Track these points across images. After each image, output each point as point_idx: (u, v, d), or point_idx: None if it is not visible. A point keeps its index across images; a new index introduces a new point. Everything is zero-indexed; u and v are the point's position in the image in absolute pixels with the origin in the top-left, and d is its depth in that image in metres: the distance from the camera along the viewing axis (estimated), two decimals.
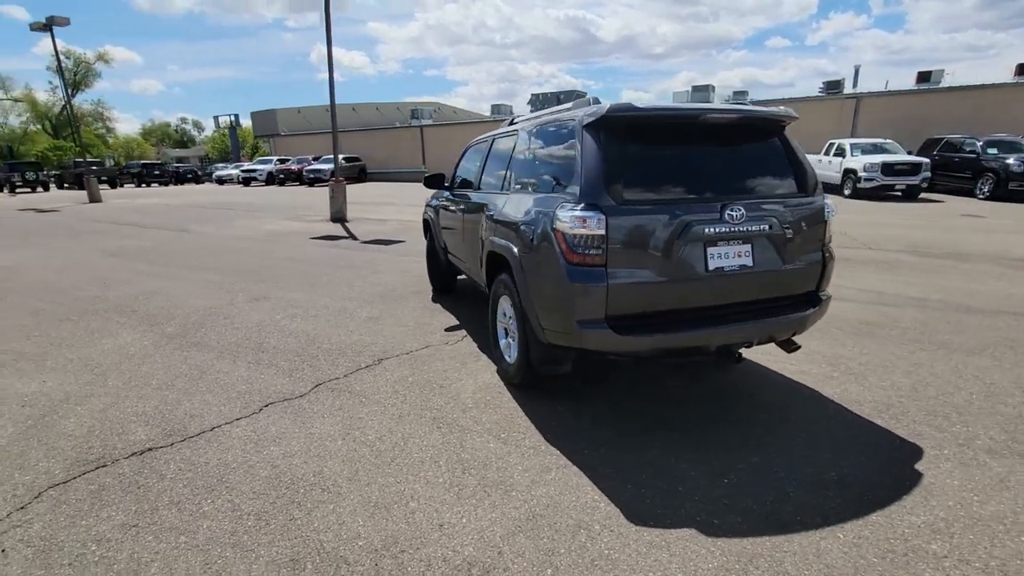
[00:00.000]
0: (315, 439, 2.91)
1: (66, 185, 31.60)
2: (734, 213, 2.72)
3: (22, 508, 2.34)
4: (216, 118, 47.76)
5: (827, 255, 3.11)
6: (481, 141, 4.86)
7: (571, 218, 2.59)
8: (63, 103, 55.52)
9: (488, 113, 49.09)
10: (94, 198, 21.29)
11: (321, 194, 18.51)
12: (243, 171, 31.73)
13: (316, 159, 30.77)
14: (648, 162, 2.80)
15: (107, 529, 2.20)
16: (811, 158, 18.46)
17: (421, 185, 6.07)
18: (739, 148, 3.01)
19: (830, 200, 3.15)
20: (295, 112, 40.96)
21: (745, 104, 4.97)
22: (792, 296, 3.07)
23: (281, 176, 30.10)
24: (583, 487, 2.46)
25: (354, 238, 10.61)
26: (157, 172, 33.96)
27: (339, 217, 13.80)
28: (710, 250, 2.73)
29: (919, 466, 2.59)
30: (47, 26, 20.39)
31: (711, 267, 2.73)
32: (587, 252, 2.59)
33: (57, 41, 21.18)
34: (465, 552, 2.05)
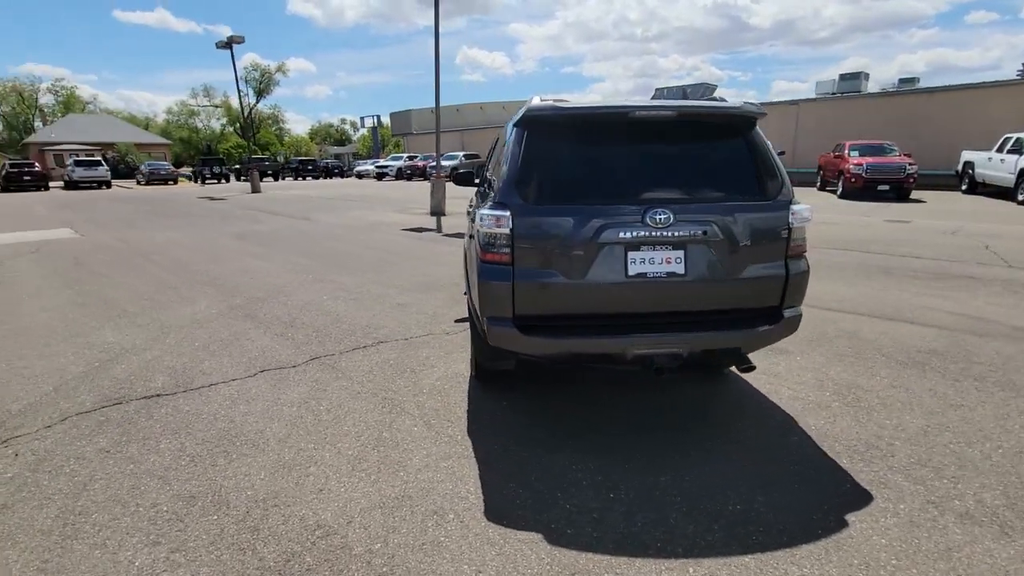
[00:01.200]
0: (277, 404, 3.31)
1: (242, 178, 37.53)
2: (658, 217, 2.55)
3: (49, 427, 3.04)
4: (362, 119, 53.36)
5: (793, 267, 2.75)
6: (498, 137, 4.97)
7: (482, 216, 2.64)
8: (249, 108, 65.96)
9: None
10: (255, 189, 25.05)
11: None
12: (377, 167, 35.01)
13: (440, 155, 32.78)
14: (571, 162, 2.73)
15: (89, 451, 2.78)
16: (978, 156, 15.58)
17: None
18: (683, 147, 2.78)
19: (802, 206, 2.77)
20: (428, 112, 44.04)
21: (708, 99, 4.31)
22: (743, 310, 2.78)
23: (408, 172, 32.64)
24: (466, 479, 2.53)
25: (439, 231, 11.28)
26: (311, 167, 38.84)
27: (437, 211, 14.69)
28: (631, 255, 2.59)
29: (851, 516, 2.23)
30: (228, 44, 24.37)
31: (631, 272, 2.59)
32: (496, 250, 2.62)
33: (251, 55, 25.19)
34: (322, 517, 2.26)
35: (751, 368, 2.88)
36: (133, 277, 7.05)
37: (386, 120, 50.23)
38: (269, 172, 35.76)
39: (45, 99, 61.81)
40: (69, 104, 62.72)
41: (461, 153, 32.37)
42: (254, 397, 3.40)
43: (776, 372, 3.71)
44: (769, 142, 2.83)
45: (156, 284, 6.62)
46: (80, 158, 31.77)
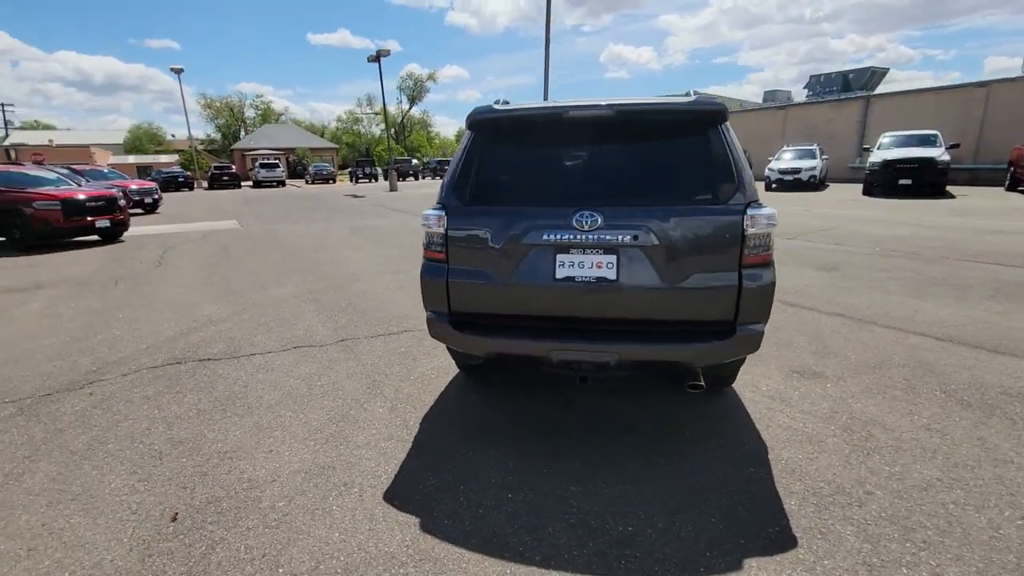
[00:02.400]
0: (287, 376, 3.80)
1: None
2: (585, 220, 2.46)
3: (124, 375, 3.86)
4: None
5: (749, 278, 2.45)
6: None
7: (424, 216, 2.78)
8: (402, 114, 72.59)
9: (761, 100, 44.11)
10: (392, 187, 27.66)
11: None
12: None
13: None
14: (509, 164, 2.73)
15: (136, 397, 3.50)
16: None
17: None
18: (625, 148, 2.61)
19: (763, 210, 2.45)
20: None
21: (668, 98, 3.59)
22: (688, 322, 2.54)
23: None
24: (392, 460, 2.71)
25: None
26: (446, 167, 41.58)
27: None
28: (560, 258, 2.53)
29: (751, 561, 1.98)
30: (377, 57, 27.14)
31: (559, 276, 2.54)
32: (434, 248, 2.75)
33: (412, 65, 28.04)
34: (257, 473, 2.61)
35: (699, 386, 2.62)
36: (257, 262, 8.37)
37: None
38: (409, 172, 39.08)
39: (249, 112, 74.59)
40: (266, 116, 74.78)
41: None
42: (273, 368, 3.94)
43: (787, 397, 3.29)
44: (734, 141, 2.55)
45: (269, 268, 7.80)
46: (263, 161, 37.85)
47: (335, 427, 3.06)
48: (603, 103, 2.53)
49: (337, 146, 62.29)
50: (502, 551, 2.06)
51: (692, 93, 2.80)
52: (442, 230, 2.69)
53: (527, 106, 2.70)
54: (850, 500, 2.32)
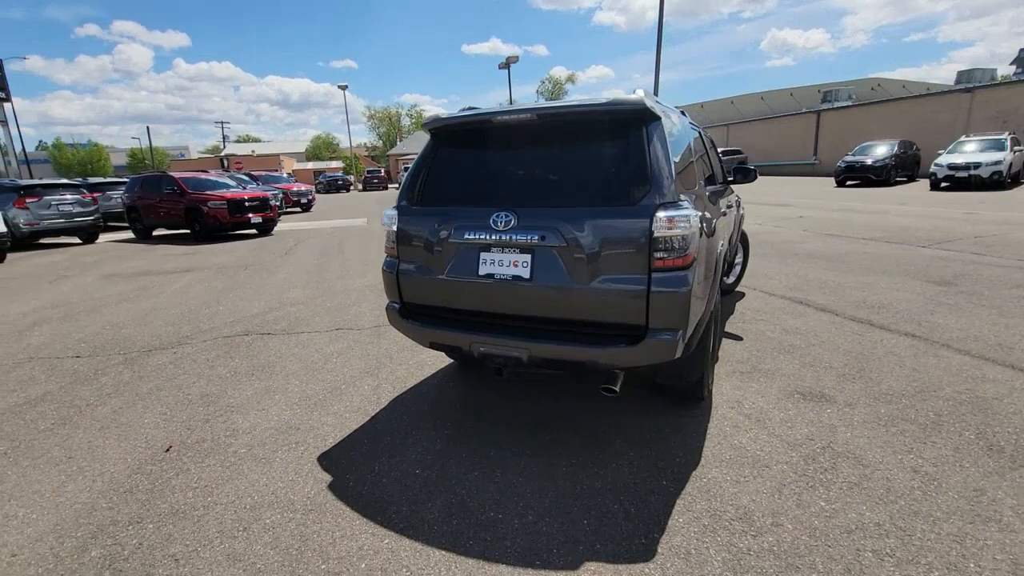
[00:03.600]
0: (317, 352, 4.41)
1: None
2: (499, 221, 2.57)
3: (205, 340, 4.80)
4: None
5: (659, 283, 2.35)
6: None
7: (384, 214, 3.10)
8: None
9: (953, 82, 37.31)
10: None
11: None
12: None
13: None
14: (450, 167, 2.90)
15: (201, 359, 4.35)
16: None
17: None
18: (549, 150, 2.62)
19: (678, 212, 2.31)
20: (698, 107, 42.05)
21: (593, 99, 2.89)
22: (599, 324, 2.51)
23: None
24: (346, 429, 3.08)
25: None
26: None
27: None
28: (483, 255, 2.67)
29: (591, 565, 1.97)
30: (507, 64, 28.33)
31: (481, 272, 2.68)
32: (389, 244, 3.06)
33: (558, 68, 29.10)
34: (241, 425, 3.17)
35: (612, 391, 2.56)
36: (357, 256, 9.49)
37: None
38: None
39: (404, 121, 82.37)
40: (418, 123, 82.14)
41: (719, 151, 30.09)
42: (310, 345, 4.59)
43: (767, 419, 3.02)
44: (657, 140, 2.45)
45: (361, 261, 8.81)
46: (406, 165, 41.69)
47: (322, 397, 3.53)
48: (527, 107, 2.62)
49: None
50: (377, 514, 2.30)
51: (637, 91, 2.74)
52: (394, 228, 2.99)
53: (464, 113, 2.87)
54: (748, 528, 2.13)
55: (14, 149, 34.02)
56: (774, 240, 8.92)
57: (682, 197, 2.44)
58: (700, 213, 2.47)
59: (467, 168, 2.90)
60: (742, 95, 41.05)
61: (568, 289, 2.50)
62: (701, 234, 2.50)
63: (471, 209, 2.70)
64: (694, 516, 2.22)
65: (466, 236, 2.68)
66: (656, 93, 14.72)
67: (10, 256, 10.88)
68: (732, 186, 5.34)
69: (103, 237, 14.16)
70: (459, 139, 2.92)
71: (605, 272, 2.43)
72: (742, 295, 5.70)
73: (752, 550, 2.01)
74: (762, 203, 15.06)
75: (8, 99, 33.27)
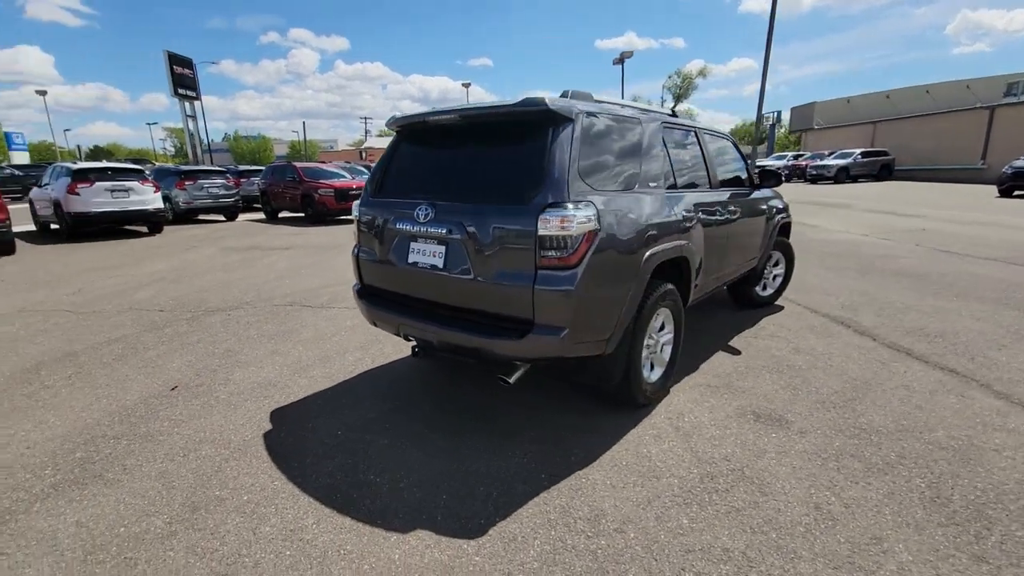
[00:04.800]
0: (333, 324, 4.94)
1: None
2: (421, 213, 2.78)
3: (256, 308, 5.61)
4: (763, 116, 49.34)
5: (543, 280, 2.39)
6: None
7: (354, 206, 3.44)
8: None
9: None
10: None
11: (804, 192, 18.00)
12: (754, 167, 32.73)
13: (830, 154, 28.03)
14: (399, 163, 3.13)
15: (243, 321, 5.11)
16: None
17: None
18: (472, 148, 2.74)
19: (564, 211, 2.32)
20: (838, 103, 37.41)
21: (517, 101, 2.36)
22: (496, 316, 2.61)
23: (786, 172, 29.28)
24: (311, 390, 3.51)
25: None
26: None
27: None
28: (412, 244, 2.90)
29: (423, 533, 2.14)
30: (621, 60, 27.74)
31: (410, 260, 2.91)
32: (355, 230, 3.40)
33: (697, 62, 28.44)
34: (235, 377, 3.74)
35: (505, 382, 2.65)
36: None
37: (786, 116, 45.41)
38: None
39: None
40: None
41: (858, 151, 26.71)
42: (333, 319, 5.16)
43: (696, 432, 2.91)
44: (561, 142, 2.49)
45: None
46: None
47: (310, 362, 4.02)
48: (454, 108, 2.79)
49: None
50: (283, 462, 2.66)
51: (567, 93, 2.77)
52: (357, 215, 3.33)
53: (410, 114, 3.09)
54: (588, 528, 2.14)
55: (199, 141, 40.80)
56: (866, 253, 7.93)
57: (582, 198, 2.45)
58: (593, 214, 2.46)
59: (412, 163, 3.14)
60: (901, 88, 35.74)
61: (471, 280, 2.65)
62: (598, 236, 2.49)
63: (406, 201, 2.95)
64: (546, 510, 2.27)
65: (398, 226, 2.94)
66: (763, 91, 13.56)
67: (168, 228, 13.27)
68: (767, 192, 4.95)
69: (242, 216, 16.59)
70: (410, 137, 3.17)
71: (500, 267, 2.54)
72: (780, 308, 5.25)
73: (575, 548, 2.03)
74: (889, 212, 13.27)
75: (198, 97, 39.73)
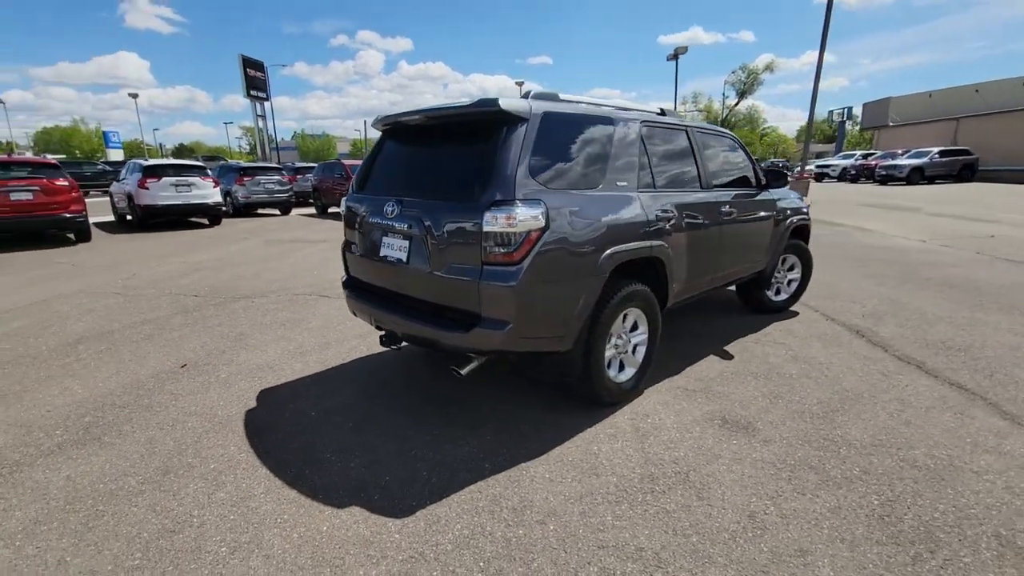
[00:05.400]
0: (342, 313, 5.19)
1: None
2: (387, 209, 2.91)
3: (280, 296, 5.98)
4: (831, 112, 46.33)
5: (488, 276, 2.47)
6: None
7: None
8: (727, 109, 68.48)
9: None
10: None
11: (870, 193, 17.02)
12: (817, 167, 30.91)
13: (904, 153, 26.06)
14: (378, 160, 3.27)
15: (262, 308, 5.47)
16: None
17: None
18: (436, 147, 2.83)
19: (509, 210, 2.38)
20: (917, 98, 34.57)
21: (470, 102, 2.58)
22: (450, 309, 2.70)
23: (853, 172, 27.53)
24: (303, 372, 3.74)
25: None
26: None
27: None
28: (384, 239, 3.04)
29: (353, 509, 2.27)
30: (675, 56, 27.00)
31: (380, 254, 3.05)
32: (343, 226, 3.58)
33: (766, 55, 27.63)
34: (240, 358, 4.03)
35: (457, 373, 2.73)
36: None
37: (858, 111, 42.35)
38: None
39: None
40: None
41: (935, 150, 24.66)
42: (344, 309, 5.38)
43: (654, 433, 2.89)
44: (512, 141, 2.54)
45: None
46: None
47: (310, 348, 4.26)
48: (420, 109, 2.90)
49: None
50: (255, 437, 2.87)
51: (528, 94, 2.82)
52: (343, 209, 3.52)
53: (388, 115, 3.21)
54: (511, 518, 2.20)
55: (267, 139, 43.31)
56: (914, 260, 7.41)
57: (531, 196, 2.50)
58: (540, 212, 2.50)
59: (390, 161, 3.28)
60: (994, 81, 32.62)
61: (429, 274, 2.76)
62: (545, 233, 2.52)
63: (379, 197, 3.09)
64: (477, 497, 2.34)
65: (372, 220, 3.09)
66: (817, 82, 12.80)
67: (227, 221, 14.25)
68: (779, 193, 4.76)
69: (295, 211, 17.53)
70: (391, 135, 3.31)
71: (452, 261, 2.64)
72: (794, 314, 5.03)
73: (492, 534, 2.10)
74: (960, 217, 12.26)
75: (267, 98, 42.11)
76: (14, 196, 8.99)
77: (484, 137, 2.64)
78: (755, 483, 2.43)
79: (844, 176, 28.36)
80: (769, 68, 67.19)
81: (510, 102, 2.59)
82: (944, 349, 4.05)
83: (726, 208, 3.88)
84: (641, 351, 3.30)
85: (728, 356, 4.01)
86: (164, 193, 11.95)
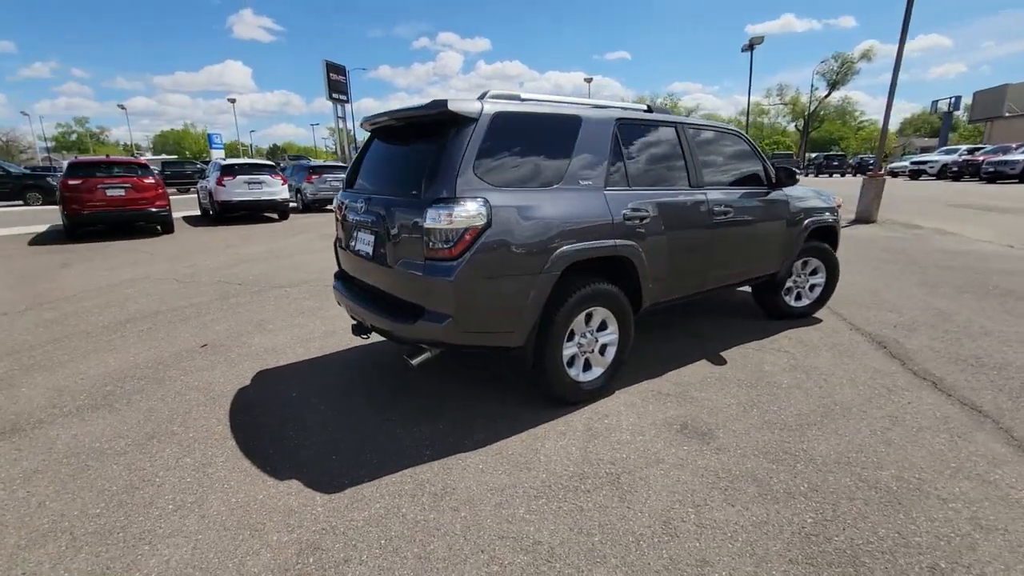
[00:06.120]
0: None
1: None
2: (358, 205, 3.09)
3: (296, 287, 6.41)
4: (935, 102, 41.48)
5: (429, 270, 2.57)
6: None
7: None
8: (816, 101, 63.66)
9: None
10: None
11: (972, 192, 15.68)
12: (913, 163, 28.05)
13: (1019, 147, 23.09)
14: (367, 159, 3.43)
15: (282, 296, 5.89)
16: None
17: None
18: (401, 147, 2.94)
19: (448, 208, 2.46)
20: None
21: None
22: (402, 301, 2.83)
23: (955, 169, 24.78)
24: (304, 356, 4.03)
25: None
26: (836, 163, 35.19)
27: (864, 217, 11.97)
28: (357, 234, 3.23)
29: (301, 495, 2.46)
30: (750, 46, 25.58)
31: (356, 248, 3.24)
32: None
33: (870, 42, 26.08)
34: (254, 342, 4.40)
35: (409, 363, 2.85)
36: None
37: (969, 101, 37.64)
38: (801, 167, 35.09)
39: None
40: (672, 112, 79.77)
41: None
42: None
43: (606, 434, 2.88)
44: (459, 140, 2.62)
45: None
46: None
47: (319, 335, 4.57)
48: (388, 111, 3.05)
49: None
50: (239, 413, 3.16)
51: (485, 95, 2.88)
52: (335, 205, 3.75)
53: (370, 115, 3.38)
54: (426, 503, 2.30)
55: (347, 140, 45.84)
56: (987, 268, 6.66)
57: (474, 194, 2.58)
58: (481, 210, 2.55)
59: (370, 159, 3.46)
60: None
61: (386, 268, 2.90)
62: (486, 231, 2.58)
63: (358, 194, 3.29)
64: (407, 480, 2.46)
65: (350, 216, 3.29)
66: (896, 75, 11.62)
67: (295, 216, 15.31)
68: (798, 192, 4.48)
69: None
70: (374, 135, 3.49)
71: (403, 256, 2.77)
72: (816, 321, 4.72)
73: (404, 516, 2.20)
74: None
75: (348, 101, 44.49)
76: (109, 192, 10.22)
77: (438, 137, 2.74)
78: (687, 490, 2.36)
79: (944, 173, 25.60)
80: (866, 56, 61.75)
81: (459, 103, 2.67)
82: (974, 366, 3.66)
83: (721, 207, 3.72)
84: (611, 351, 3.27)
85: (721, 361, 3.85)
86: (238, 190, 13.07)
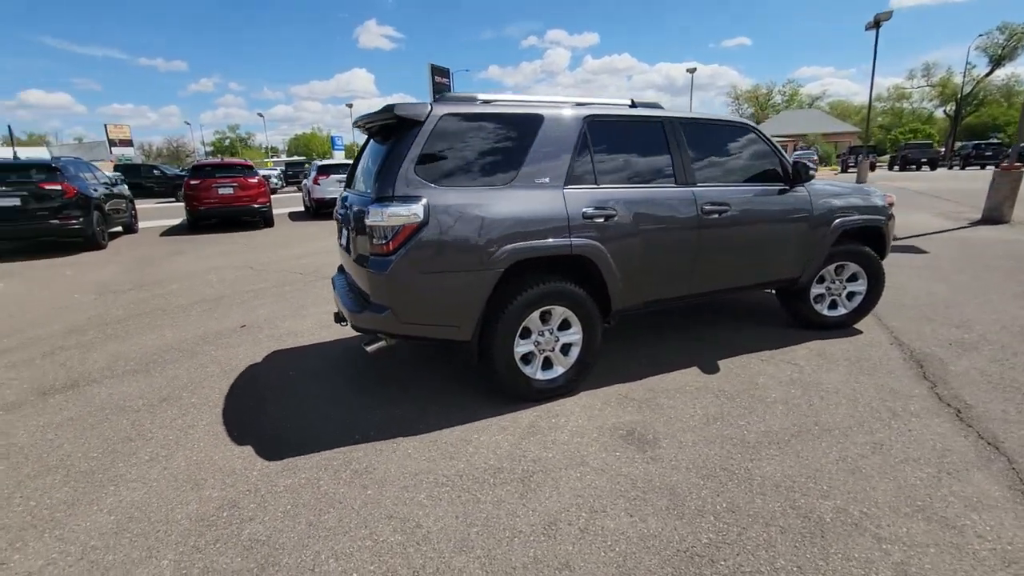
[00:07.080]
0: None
1: (894, 167, 33.77)
2: (345, 203, 3.36)
3: (294, 284, 6.93)
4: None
5: (373, 264, 2.76)
6: None
7: None
8: (973, 81, 54.69)
9: None
10: (860, 179, 23.21)
11: None
12: None
13: None
14: (361, 158, 3.69)
15: (283, 292, 6.43)
16: None
17: None
18: (374, 146, 3.15)
19: (385, 208, 2.63)
20: None
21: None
22: (360, 292, 3.05)
23: None
24: (315, 340, 4.44)
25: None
26: (989, 153, 30.05)
27: (993, 217, 10.30)
28: (341, 229, 3.51)
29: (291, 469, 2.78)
30: (876, 24, 22.72)
31: (342, 243, 3.53)
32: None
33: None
34: (281, 327, 4.92)
35: (365, 349, 3.05)
36: None
37: None
38: (923, 160, 30.69)
39: (776, 99, 74.40)
40: (792, 100, 72.96)
41: None
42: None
43: (538, 433, 2.89)
44: (401, 143, 2.78)
45: None
46: None
47: (325, 324, 4.95)
48: (368, 113, 3.26)
49: (858, 130, 54.40)
50: (237, 389, 3.58)
51: (443, 96, 3.00)
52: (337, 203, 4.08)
53: (361, 115, 3.62)
54: (349, 477, 2.49)
55: None
56: None
57: (412, 193, 2.72)
58: (417, 209, 2.67)
59: (362, 160, 3.72)
60: None
61: (352, 260, 3.15)
62: (423, 228, 2.70)
63: (348, 192, 3.57)
64: (338, 457, 2.67)
65: (338, 213, 3.58)
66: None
67: None
68: (825, 188, 4.06)
69: None
70: (368, 135, 3.74)
71: (359, 250, 3.00)
72: (856, 333, 4.25)
73: (318, 487, 2.41)
74: None
75: None
76: (220, 191, 11.75)
77: (388, 138, 2.93)
78: (592, 496, 2.31)
79: None
80: None
81: (405, 107, 2.81)
82: (1018, 392, 3.10)
83: (713, 205, 3.49)
84: (574, 351, 3.24)
85: (713, 369, 3.62)
86: (331, 188, 14.30)
